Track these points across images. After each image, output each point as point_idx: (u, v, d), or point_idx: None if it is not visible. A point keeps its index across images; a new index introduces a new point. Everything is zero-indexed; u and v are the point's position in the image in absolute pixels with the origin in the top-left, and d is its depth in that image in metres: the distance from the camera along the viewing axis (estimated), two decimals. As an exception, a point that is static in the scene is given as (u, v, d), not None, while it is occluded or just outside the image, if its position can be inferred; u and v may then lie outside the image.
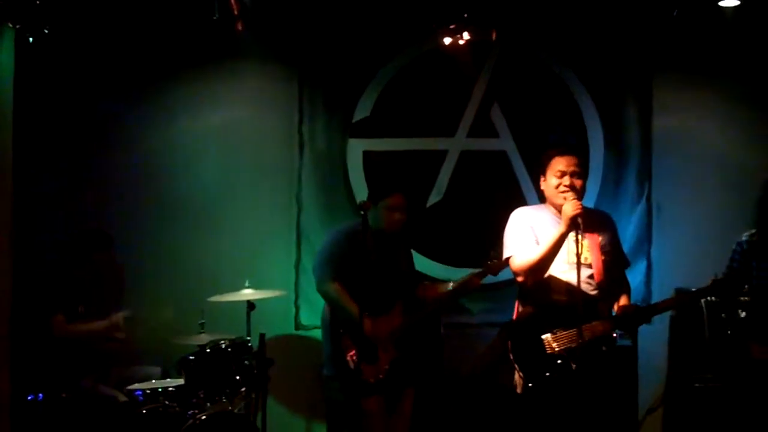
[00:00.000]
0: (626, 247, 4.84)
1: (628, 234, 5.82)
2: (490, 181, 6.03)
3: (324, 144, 6.03)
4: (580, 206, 4.20)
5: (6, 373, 5.12)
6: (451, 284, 5.10)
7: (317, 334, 5.34)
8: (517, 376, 4.27)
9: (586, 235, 4.32)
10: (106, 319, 5.27)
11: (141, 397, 4.91)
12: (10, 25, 4.88)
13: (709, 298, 5.29)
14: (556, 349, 4.19)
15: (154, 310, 5.40)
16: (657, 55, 6.01)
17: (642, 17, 5.90)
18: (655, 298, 5.53)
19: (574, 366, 4.13)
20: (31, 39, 4.86)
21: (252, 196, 5.99)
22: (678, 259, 5.91)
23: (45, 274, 5.48)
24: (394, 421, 5.10)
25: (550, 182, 4.40)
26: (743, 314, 4.76)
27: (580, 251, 4.14)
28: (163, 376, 5.27)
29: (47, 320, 5.19)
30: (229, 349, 4.94)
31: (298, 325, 5.95)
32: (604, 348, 4.23)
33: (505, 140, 6.05)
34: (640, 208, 6.00)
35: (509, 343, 4.26)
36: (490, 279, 5.12)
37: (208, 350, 4.90)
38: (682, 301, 5.22)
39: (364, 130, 6.02)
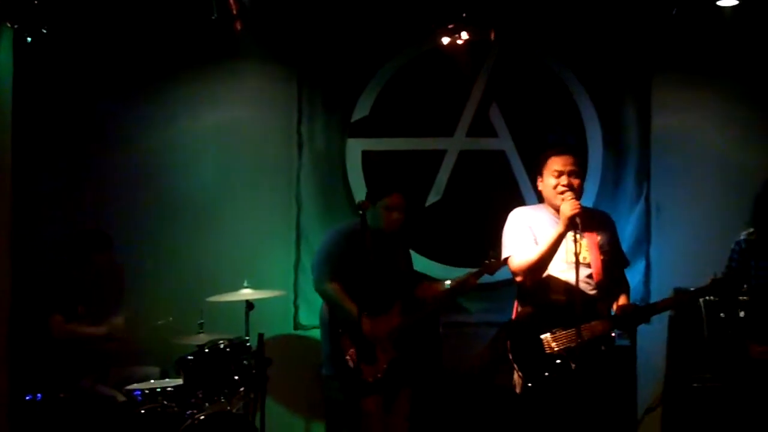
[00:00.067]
0: (625, 247, 4.83)
1: (626, 234, 5.81)
2: (488, 181, 6.03)
3: (323, 144, 6.03)
4: (579, 206, 4.20)
5: (4, 373, 5.12)
6: (448, 282, 5.10)
7: (316, 333, 5.34)
8: (516, 376, 4.27)
9: (585, 234, 4.32)
10: (105, 322, 5.28)
11: (140, 397, 4.91)
12: (9, 25, 4.89)
13: (708, 297, 5.29)
14: (555, 349, 4.18)
15: (154, 310, 5.39)
16: (656, 54, 6.00)
17: (641, 17, 5.89)
18: (654, 298, 5.52)
19: (573, 366, 4.13)
20: (29, 39, 4.87)
21: (251, 196, 5.99)
22: (677, 258, 5.91)
23: (44, 274, 5.49)
24: (391, 420, 5.10)
25: (547, 182, 4.39)
26: (742, 314, 4.75)
27: (578, 251, 4.14)
28: (162, 376, 5.27)
29: (45, 320, 5.20)
30: (228, 349, 4.95)
31: (297, 325, 5.95)
32: (603, 348, 4.23)
33: (503, 140, 6.05)
34: (639, 207, 6.00)
35: (508, 342, 4.25)
36: (488, 278, 5.12)
37: (206, 350, 4.90)
38: (681, 300, 5.21)
39: (363, 129, 6.02)
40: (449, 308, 5.65)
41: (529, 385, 4.17)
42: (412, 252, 5.54)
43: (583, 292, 4.21)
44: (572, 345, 4.12)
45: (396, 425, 5.17)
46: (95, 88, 5.86)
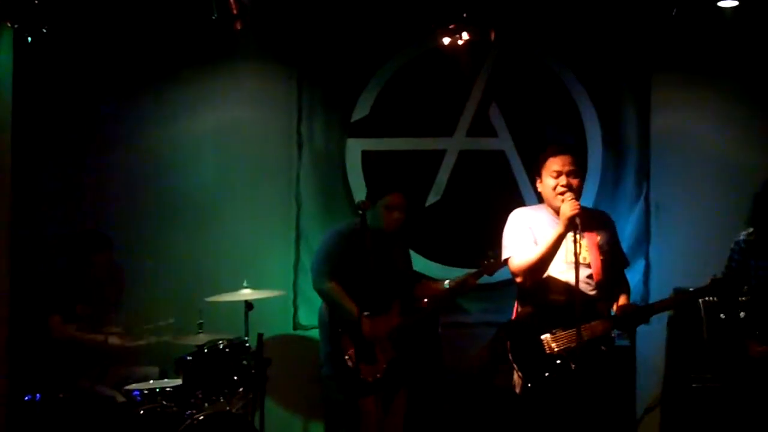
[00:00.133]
0: (625, 247, 4.83)
1: (626, 234, 5.80)
2: (488, 181, 6.03)
3: (323, 143, 6.02)
4: (578, 206, 4.19)
5: (4, 373, 5.12)
6: (447, 282, 5.10)
7: (316, 334, 5.34)
8: (516, 376, 4.26)
9: (585, 234, 4.32)
10: (104, 328, 5.28)
11: (139, 398, 4.91)
12: (9, 25, 4.88)
13: (707, 298, 5.30)
14: (555, 350, 4.18)
15: (153, 310, 5.38)
16: (656, 54, 6.00)
17: (641, 16, 5.89)
18: (654, 298, 5.52)
19: (573, 366, 4.13)
20: (30, 39, 4.86)
21: (251, 196, 5.99)
22: (676, 258, 5.91)
23: (43, 274, 5.49)
24: (390, 420, 5.11)
25: (546, 183, 4.39)
26: (742, 314, 4.75)
27: (578, 251, 4.13)
28: (161, 376, 5.26)
29: (45, 321, 5.20)
30: (227, 349, 4.94)
31: (296, 325, 5.95)
32: (603, 348, 4.23)
33: (503, 140, 6.05)
34: (639, 207, 6.00)
35: (508, 343, 4.25)
36: (487, 279, 5.13)
37: (206, 350, 4.89)
38: (681, 300, 5.21)
39: (362, 129, 6.02)
40: (448, 308, 5.66)
41: (529, 385, 4.17)
42: (411, 252, 5.54)
43: (583, 293, 4.21)
44: (572, 345, 4.12)
45: (395, 425, 5.17)
46: (95, 88, 5.86)
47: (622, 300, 4.45)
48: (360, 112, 6.02)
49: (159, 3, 5.56)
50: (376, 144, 6.03)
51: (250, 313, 5.15)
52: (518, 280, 4.39)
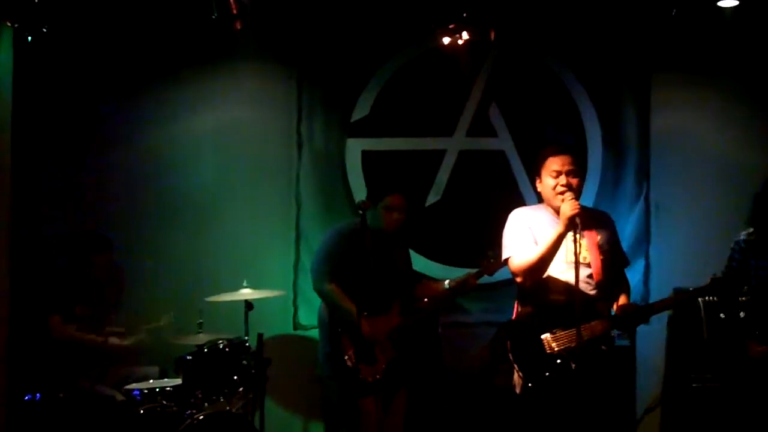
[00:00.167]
0: (625, 247, 4.83)
1: (626, 233, 5.80)
2: (488, 181, 6.03)
3: (323, 143, 6.02)
4: (578, 206, 4.19)
5: (4, 373, 5.12)
6: (447, 282, 5.10)
7: (315, 334, 5.33)
8: (516, 376, 4.26)
9: (585, 234, 4.31)
10: (105, 329, 5.28)
11: (139, 397, 4.90)
12: (9, 24, 4.88)
13: (707, 297, 5.30)
14: (556, 349, 4.18)
15: (153, 310, 5.38)
16: (655, 54, 6.00)
17: (641, 16, 5.89)
18: (654, 298, 5.52)
19: (573, 366, 4.12)
20: (30, 38, 4.86)
21: (250, 196, 5.98)
22: (676, 258, 5.91)
23: (43, 274, 5.49)
24: (389, 420, 5.10)
25: (546, 183, 4.38)
26: (742, 314, 4.75)
27: (578, 251, 4.13)
28: (161, 376, 5.26)
29: (45, 321, 5.19)
30: (227, 349, 4.94)
31: (296, 325, 5.94)
32: (603, 347, 4.23)
33: (503, 140, 6.05)
34: (639, 207, 6.00)
35: (508, 343, 4.25)
36: (487, 278, 5.13)
37: (206, 350, 4.89)
38: (681, 300, 5.20)
39: (362, 129, 6.02)
40: (449, 308, 5.66)
41: (530, 385, 4.16)
42: (411, 252, 5.54)
43: (583, 292, 4.20)
44: (572, 345, 4.11)
45: (394, 425, 5.17)
46: (95, 88, 5.86)
47: (622, 300, 4.44)
48: (360, 112, 6.02)
49: (159, 3, 5.56)
50: (376, 144, 6.03)
51: (250, 313, 5.15)
52: (518, 280, 4.38)
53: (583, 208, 4.21)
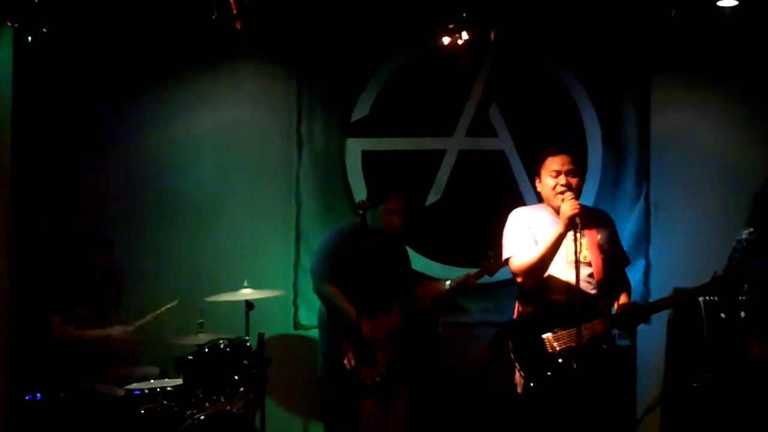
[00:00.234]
0: (625, 247, 4.82)
1: (626, 233, 5.80)
2: (488, 181, 6.03)
3: (322, 143, 6.02)
4: (578, 206, 4.19)
5: (4, 373, 5.11)
6: (448, 283, 5.10)
7: (316, 333, 5.33)
8: (518, 376, 4.26)
9: (585, 233, 4.31)
10: (106, 325, 5.27)
11: (140, 397, 4.89)
12: (9, 24, 4.88)
13: (708, 297, 5.30)
14: (557, 349, 4.18)
15: (153, 310, 5.38)
16: (655, 54, 6.01)
17: (640, 16, 5.89)
18: (654, 298, 5.49)
19: (575, 365, 4.12)
20: (30, 38, 4.86)
21: (250, 196, 5.98)
22: (676, 258, 5.91)
23: (43, 274, 5.48)
24: (388, 419, 5.09)
25: (546, 183, 4.39)
26: (742, 314, 4.75)
27: (579, 250, 4.13)
28: (162, 376, 5.26)
29: (45, 321, 5.19)
30: (228, 349, 4.94)
31: (296, 325, 5.95)
32: (604, 346, 4.24)
33: (503, 140, 6.06)
34: (639, 207, 6.00)
35: (510, 343, 4.25)
36: (487, 278, 5.12)
37: (206, 350, 4.90)
38: (682, 298, 5.19)
39: (362, 129, 6.02)
40: (449, 308, 5.66)
41: (532, 384, 4.16)
42: (411, 252, 5.54)
43: (583, 292, 4.20)
44: (574, 344, 4.11)
45: (395, 425, 5.17)
46: (95, 88, 5.86)
47: (622, 299, 4.45)
48: (360, 112, 6.02)
49: (159, 3, 5.56)
50: (375, 144, 6.03)
51: (251, 312, 5.14)
52: (519, 280, 4.38)
53: (582, 208, 4.22)
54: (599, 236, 4.41)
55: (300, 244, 5.95)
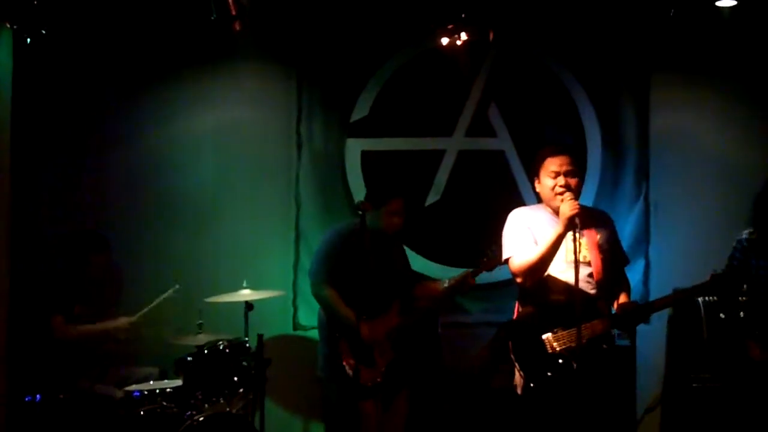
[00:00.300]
0: (624, 247, 4.82)
1: (626, 233, 5.79)
2: (487, 181, 6.02)
3: (322, 144, 6.02)
4: (578, 206, 4.19)
5: (4, 374, 5.11)
6: (447, 282, 5.10)
7: (315, 334, 5.33)
8: (518, 376, 4.27)
9: (584, 233, 4.32)
10: (111, 320, 5.28)
11: (139, 398, 4.89)
12: (8, 26, 4.88)
13: (707, 297, 5.30)
14: (558, 349, 4.18)
15: (153, 310, 5.38)
16: (654, 54, 6.00)
17: (639, 16, 5.89)
18: (654, 298, 5.49)
19: (575, 365, 4.12)
20: (29, 40, 4.86)
21: (250, 196, 5.98)
22: (676, 258, 5.90)
23: (43, 274, 5.48)
24: (389, 419, 5.09)
25: (545, 183, 4.39)
26: (742, 314, 4.75)
27: (578, 250, 4.13)
28: (161, 377, 5.25)
29: (46, 321, 5.19)
30: (227, 350, 4.93)
31: (296, 326, 5.94)
32: (604, 346, 4.24)
33: (502, 140, 6.05)
34: (638, 207, 6.00)
35: (510, 343, 4.25)
36: (487, 279, 5.13)
37: (206, 351, 4.89)
38: (681, 297, 5.18)
39: (362, 129, 6.01)
40: (449, 308, 5.66)
41: (532, 385, 4.17)
42: (410, 252, 5.54)
43: (583, 292, 4.21)
44: (574, 344, 4.11)
45: (395, 425, 5.17)
46: (94, 88, 5.85)
47: (622, 298, 4.45)
48: (359, 112, 6.01)
49: (159, 3, 5.56)
50: (375, 144, 6.03)
51: (250, 313, 5.14)
52: (519, 280, 4.39)
53: (582, 208, 4.22)
54: (599, 236, 4.42)
55: (299, 244, 5.94)
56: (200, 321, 5.07)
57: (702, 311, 5.39)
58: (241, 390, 4.95)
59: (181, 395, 4.84)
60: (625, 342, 5.31)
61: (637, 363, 5.48)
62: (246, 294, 5.14)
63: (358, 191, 5.90)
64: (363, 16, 5.92)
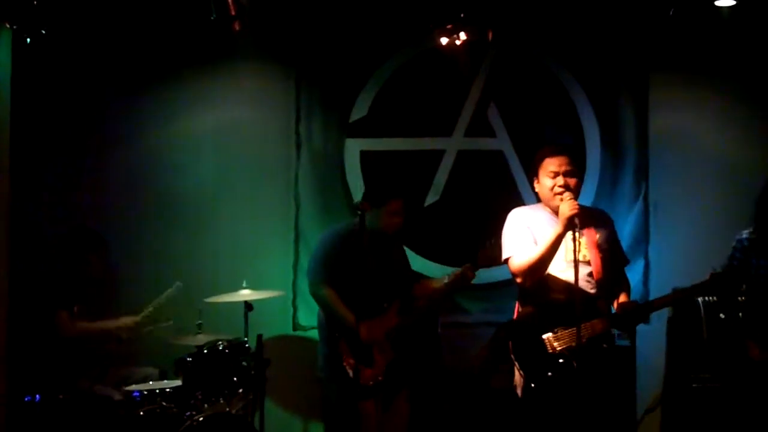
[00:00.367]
0: (624, 247, 4.83)
1: (625, 233, 5.80)
2: (487, 181, 6.02)
3: (321, 144, 6.02)
4: (577, 206, 4.19)
5: (3, 374, 5.11)
6: (446, 278, 5.09)
7: (315, 334, 5.32)
8: (518, 376, 4.27)
9: (584, 232, 4.32)
10: (112, 319, 5.28)
11: (138, 398, 4.89)
12: (8, 26, 4.88)
13: (707, 297, 5.30)
14: (558, 349, 4.18)
15: (156, 308, 5.38)
16: (653, 53, 6.00)
17: (638, 16, 5.89)
18: (653, 297, 5.51)
19: (575, 365, 4.12)
20: (28, 40, 4.86)
21: (249, 196, 5.98)
22: (676, 258, 5.90)
23: (43, 274, 5.48)
24: (389, 419, 5.09)
25: (544, 184, 4.39)
26: (741, 314, 4.75)
27: (578, 249, 4.13)
28: (161, 377, 5.24)
29: (50, 318, 5.18)
30: (227, 350, 4.93)
31: (296, 326, 5.94)
32: (604, 345, 4.24)
33: (502, 140, 6.05)
34: (638, 207, 6.00)
35: (510, 343, 4.25)
36: (487, 279, 5.13)
37: (205, 351, 4.89)
38: (681, 296, 5.17)
39: (361, 129, 6.01)
40: (449, 308, 5.66)
41: (532, 385, 4.17)
42: (410, 252, 5.54)
43: (583, 291, 4.21)
44: (574, 344, 4.11)
45: (395, 425, 5.16)
46: (95, 88, 5.86)
47: (622, 298, 4.45)
48: (358, 112, 6.01)
49: (158, 3, 5.56)
50: (374, 144, 6.02)
51: (250, 313, 5.14)
52: (518, 280, 4.39)
53: (581, 207, 4.22)
54: (598, 235, 4.42)
55: (299, 244, 5.94)
56: (200, 321, 5.07)
57: (702, 311, 5.39)
58: (241, 390, 4.94)
59: (181, 395, 4.84)
60: (625, 342, 5.30)
61: (637, 363, 5.48)
62: (246, 294, 5.14)
63: (357, 191, 5.89)
64: (362, 16, 5.92)
